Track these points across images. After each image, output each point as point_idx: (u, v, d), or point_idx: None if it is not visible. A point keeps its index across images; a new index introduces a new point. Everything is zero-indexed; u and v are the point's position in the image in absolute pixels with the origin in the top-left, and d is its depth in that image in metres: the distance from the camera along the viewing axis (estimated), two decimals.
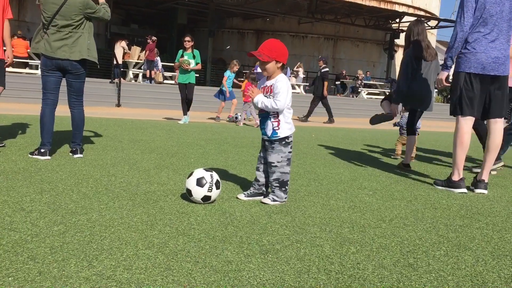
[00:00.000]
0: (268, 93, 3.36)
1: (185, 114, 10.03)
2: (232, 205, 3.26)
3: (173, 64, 11.78)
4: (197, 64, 9.82)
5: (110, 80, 15.45)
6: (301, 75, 21.91)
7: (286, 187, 3.43)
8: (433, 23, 23.60)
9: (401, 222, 3.13)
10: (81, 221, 2.67)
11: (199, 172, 3.26)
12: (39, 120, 4.58)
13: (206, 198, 3.21)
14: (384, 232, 2.88)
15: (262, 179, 3.49)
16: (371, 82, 24.51)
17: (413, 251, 2.56)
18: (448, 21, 24.27)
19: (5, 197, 3.04)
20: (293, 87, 20.26)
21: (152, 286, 1.90)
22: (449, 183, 4.32)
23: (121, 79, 14.74)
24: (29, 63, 16.35)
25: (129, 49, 18.07)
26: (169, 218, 2.85)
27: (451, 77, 4.38)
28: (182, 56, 9.80)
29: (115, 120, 9.03)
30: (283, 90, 3.30)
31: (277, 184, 3.40)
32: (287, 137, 3.39)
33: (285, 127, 3.39)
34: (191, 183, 3.21)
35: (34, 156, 4.50)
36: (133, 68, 18.39)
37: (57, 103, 4.67)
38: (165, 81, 18.14)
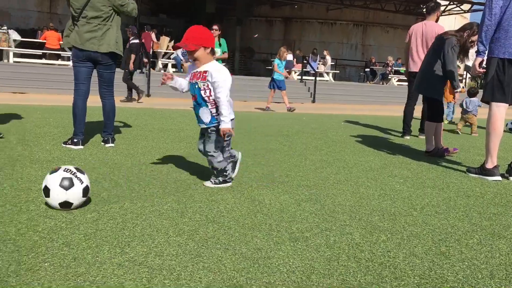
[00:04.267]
0: (200, 79, 3.23)
1: None
2: (261, 193, 3.27)
3: None
4: (223, 53, 9.82)
5: (140, 70, 15.63)
6: (330, 62, 21.66)
7: (225, 173, 3.39)
8: (466, 6, 22.89)
9: (433, 210, 3.07)
10: (113, 208, 2.72)
11: (52, 179, 2.62)
12: (72, 110, 4.68)
13: (86, 191, 2.68)
14: (415, 220, 2.83)
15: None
16: (402, 68, 24.03)
17: (445, 239, 2.52)
18: (482, 5, 23.50)
19: (40, 186, 3.13)
20: (321, 75, 20.07)
21: (183, 272, 1.93)
22: (483, 170, 4.21)
23: (151, 69, 14.89)
24: (61, 55, 16.70)
25: (158, 39, 18.22)
26: (199, 206, 2.89)
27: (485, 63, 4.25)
28: None
29: (145, 110, 9.16)
30: (224, 84, 3.20)
31: (216, 172, 3.38)
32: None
33: None
34: (60, 195, 2.59)
35: (67, 146, 4.61)
36: (162, 58, 18.55)
37: (89, 93, 4.76)
38: None
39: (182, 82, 3.42)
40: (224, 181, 3.41)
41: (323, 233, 2.50)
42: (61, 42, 15.84)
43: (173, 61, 18.29)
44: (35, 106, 8.46)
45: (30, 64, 15.15)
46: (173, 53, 18.26)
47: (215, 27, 9.78)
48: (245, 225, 2.57)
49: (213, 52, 3.30)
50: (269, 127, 7.35)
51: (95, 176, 3.46)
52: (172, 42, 18.53)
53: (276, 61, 11.48)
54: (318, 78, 17.27)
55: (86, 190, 2.69)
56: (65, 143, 4.68)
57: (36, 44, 16.32)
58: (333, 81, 20.52)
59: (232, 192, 3.25)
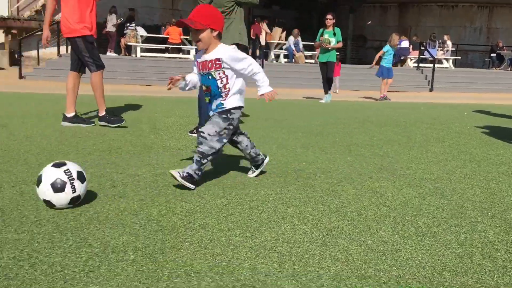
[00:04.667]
0: (214, 69, 2.93)
1: (326, 93, 10.04)
2: (382, 185, 3.22)
3: (313, 43, 11.82)
4: (338, 42, 9.72)
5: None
6: (450, 47, 20.31)
7: (202, 165, 2.95)
8: None
9: None
10: (239, 195, 2.88)
11: (49, 174, 2.47)
12: (197, 102, 4.99)
13: (75, 200, 2.50)
14: None
15: (246, 155, 3.27)
16: None
17: None
18: None
19: (172, 172, 3.40)
20: (440, 61, 18.91)
21: (311, 259, 2.00)
22: None
23: (263, 60, 15.23)
24: (182, 49, 17.75)
25: (271, 30, 18.54)
26: (320, 196, 2.93)
27: None
28: (322, 35, 9.77)
29: (261, 101, 9.39)
30: (250, 60, 2.98)
31: (198, 158, 2.94)
32: (230, 110, 2.99)
33: (234, 97, 3.01)
34: (46, 193, 2.44)
35: (193, 135, 4.92)
36: (274, 48, 18.85)
37: None
38: (306, 60, 18.29)
39: (193, 79, 3.09)
40: (191, 175, 2.91)
41: (452, 229, 2.40)
42: (182, 37, 16.85)
43: (285, 52, 18.50)
44: (161, 97, 9.12)
45: (154, 58, 16.34)
46: (285, 43, 18.47)
47: (329, 16, 9.71)
48: (368, 216, 2.56)
49: (220, 37, 2.97)
50: (384, 117, 7.14)
51: (219, 162, 3.66)
52: (284, 33, 18.73)
53: (385, 48, 11.08)
54: (436, 65, 16.30)
55: (75, 199, 2.49)
56: (191, 132, 5.01)
57: (159, 39, 17.54)
58: (453, 68, 19.23)
59: (352, 183, 3.24)
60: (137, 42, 16.54)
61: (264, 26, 17.88)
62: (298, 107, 8.26)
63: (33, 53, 16.08)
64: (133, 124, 5.50)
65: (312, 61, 17.34)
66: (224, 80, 2.96)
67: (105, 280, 1.74)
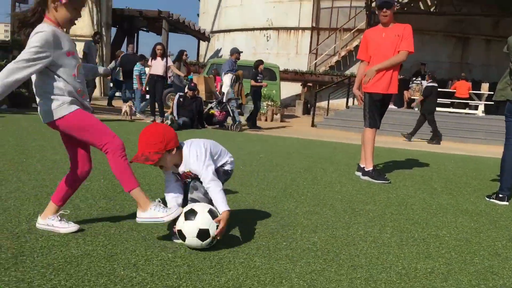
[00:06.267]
0: (192, 176, 2.74)
1: None
2: None
3: None
4: None
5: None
6: None
7: None
8: None
9: None
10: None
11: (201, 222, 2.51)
12: (500, 163, 4.60)
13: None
14: None
15: None
16: None
17: None
18: None
19: (477, 239, 3.20)
20: None
21: None
22: None
23: None
24: (469, 103, 16.79)
25: None
26: None
27: None
28: None
29: None
30: (205, 170, 2.65)
31: None
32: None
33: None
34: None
35: (491, 200, 4.55)
36: None
37: None
38: None
39: (177, 200, 2.76)
40: None
41: None
42: (471, 91, 15.97)
43: None
44: (448, 154, 8.77)
45: (439, 113, 15.93)
46: None
47: None
48: None
49: (180, 149, 2.68)
50: None
51: None
52: None
53: None
54: None
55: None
56: (488, 196, 4.64)
57: (445, 93, 17.05)
58: None
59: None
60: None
61: None
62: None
63: (323, 103, 17.83)
64: (424, 181, 5.44)
65: None
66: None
67: None
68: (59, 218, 2.69)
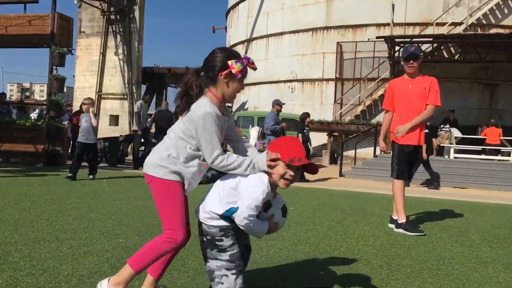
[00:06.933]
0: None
1: None
2: None
3: None
4: None
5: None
6: None
7: None
8: None
9: None
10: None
11: None
12: None
13: None
14: None
15: None
16: None
17: None
18: None
19: None
20: None
21: None
22: None
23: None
24: (501, 150, 16.46)
25: None
26: None
27: None
28: None
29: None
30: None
31: None
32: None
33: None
34: None
35: None
36: None
37: None
38: None
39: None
40: None
41: None
42: (502, 138, 15.71)
43: None
44: (482, 203, 8.54)
45: (469, 160, 15.64)
46: None
47: None
48: None
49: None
50: None
51: None
52: None
53: None
54: None
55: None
56: None
57: (475, 140, 16.79)
58: None
59: None
60: (450, 144, 16.26)
61: None
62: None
63: (350, 152, 17.75)
64: (461, 232, 5.30)
65: None
66: None
67: None
68: None
